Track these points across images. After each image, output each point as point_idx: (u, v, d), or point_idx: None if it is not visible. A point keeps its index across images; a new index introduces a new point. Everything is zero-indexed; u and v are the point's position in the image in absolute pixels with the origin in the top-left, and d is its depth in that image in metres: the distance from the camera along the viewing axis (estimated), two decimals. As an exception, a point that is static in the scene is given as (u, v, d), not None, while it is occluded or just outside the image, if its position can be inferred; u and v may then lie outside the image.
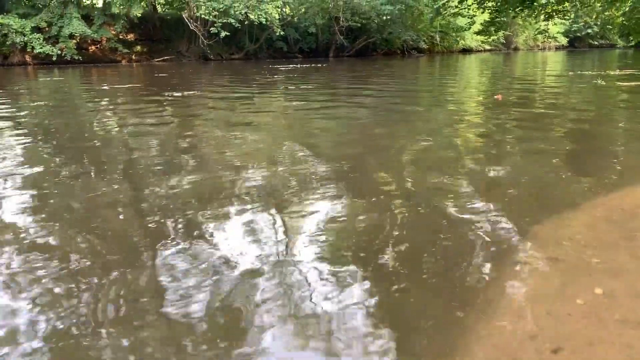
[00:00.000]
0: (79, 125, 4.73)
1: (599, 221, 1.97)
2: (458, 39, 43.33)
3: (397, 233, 1.87)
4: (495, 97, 6.43)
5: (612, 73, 10.70)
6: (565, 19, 44.50)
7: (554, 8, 24.48)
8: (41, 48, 20.81)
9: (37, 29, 21.25)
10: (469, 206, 2.12)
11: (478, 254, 1.67)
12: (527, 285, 1.48)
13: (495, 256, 1.65)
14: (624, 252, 1.69)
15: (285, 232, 1.88)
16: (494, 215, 2.00)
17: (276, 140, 3.76)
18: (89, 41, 23.37)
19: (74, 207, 2.23)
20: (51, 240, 1.84)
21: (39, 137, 4.04)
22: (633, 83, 7.97)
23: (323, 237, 1.82)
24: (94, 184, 2.60)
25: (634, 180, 2.49)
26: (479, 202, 2.16)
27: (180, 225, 1.96)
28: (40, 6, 21.81)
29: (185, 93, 7.87)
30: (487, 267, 1.59)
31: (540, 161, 2.91)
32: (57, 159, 3.22)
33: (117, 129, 4.49)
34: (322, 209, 2.12)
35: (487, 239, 1.79)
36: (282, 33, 26.23)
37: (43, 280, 1.52)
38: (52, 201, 2.31)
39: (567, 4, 24.55)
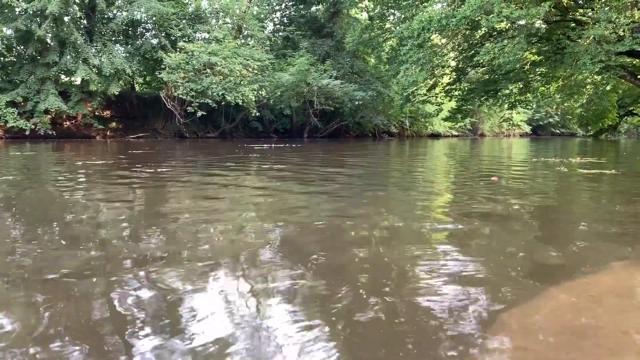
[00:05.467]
0: (46, 201, 4.63)
1: (566, 308, 1.97)
2: (427, 124, 45.31)
3: (364, 322, 1.83)
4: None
5: (573, 161, 11.20)
6: (527, 109, 47.22)
7: (517, 98, 25.96)
8: (14, 122, 20.81)
9: (12, 104, 21.34)
10: (436, 293, 2.10)
11: (445, 343, 1.64)
12: (497, 376, 1.45)
13: (463, 345, 1.62)
14: (592, 340, 1.68)
15: (251, 326, 1.82)
16: (461, 303, 1.98)
17: (246, 223, 3.74)
18: (64, 116, 23.51)
19: (34, 281, 2.13)
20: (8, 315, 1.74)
21: (1, 213, 3.92)
22: (593, 171, 8.33)
23: (294, 331, 1.77)
24: (57, 260, 2.50)
25: (599, 266, 2.53)
26: (446, 290, 2.15)
27: (143, 315, 1.88)
28: (18, 81, 22.05)
29: (159, 170, 7.87)
30: (455, 357, 1.55)
31: (506, 247, 2.94)
32: (19, 236, 3.11)
33: (84, 206, 4.40)
34: (288, 300, 2.08)
35: (455, 327, 1.76)
36: (257, 114, 26.94)
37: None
38: (11, 278, 2.20)
39: (529, 94, 26.09)
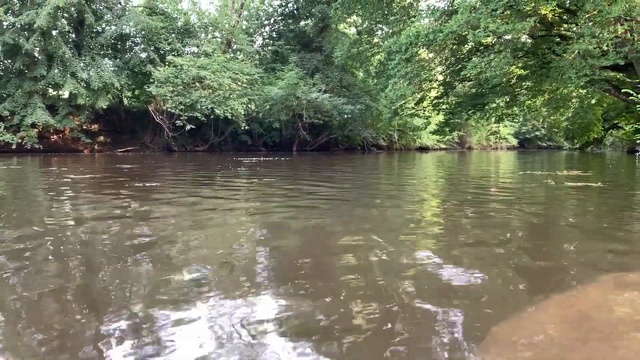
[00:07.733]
0: (31, 217, 4.57)
1: (555, 322, 1.97)
2: (415, 137, 45.65)
3: (350, 338, 1.82)
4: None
5: (560, 174, 11.29)
6: (514, 122, 47.73)
7: (504, 111, 26.29)
8: (1, 136, 20.62)
9: (-2, 118, 21.17)
10: (424, 308, 2.09)
11: (433, 358, 1.63)
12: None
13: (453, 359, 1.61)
14: (580, 354, 1.68)
15: (242, 341, 1.80)
16: (450, 317, 1.97)
17: (234, 239, 3.72)
18: (51, 130, 23.34)
19: (18, 300, 2.09)
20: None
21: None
22: (580, 183, 8.41)
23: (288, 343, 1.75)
24: (43, 278, 2.46)
25: (587, 280, 2.54)
26: (435, 303, 2.14)
27: (129, 329, 1.85)
28: (5, 95, 21.89)
29: (147, 184, 7.81)
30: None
31: (495, 261, 2.95)
32: (3, 252, 3.05)
33: (71, 222, 4.35)
34: (281, 313, 2.06)
35: (442, 341, 1.75)
36: (246, 127, 26.95)
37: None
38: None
39: (515, 108, 26.43)
